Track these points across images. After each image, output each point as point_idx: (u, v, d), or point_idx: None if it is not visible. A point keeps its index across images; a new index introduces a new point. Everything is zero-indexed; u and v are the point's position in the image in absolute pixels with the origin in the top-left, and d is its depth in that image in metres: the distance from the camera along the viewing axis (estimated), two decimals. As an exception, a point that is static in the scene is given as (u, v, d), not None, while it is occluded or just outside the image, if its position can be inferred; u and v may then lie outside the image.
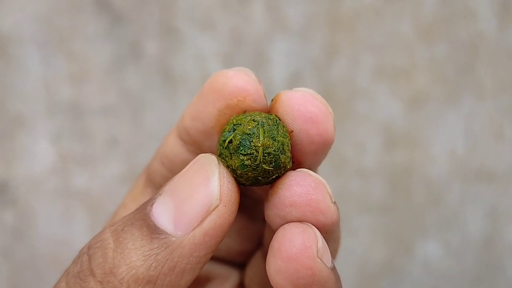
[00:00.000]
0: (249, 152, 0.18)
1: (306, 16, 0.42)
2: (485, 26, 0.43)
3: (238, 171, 0.18)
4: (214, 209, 0.17)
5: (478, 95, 0.43)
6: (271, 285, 0.20)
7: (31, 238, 0.41)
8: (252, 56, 0.41)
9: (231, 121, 0.19)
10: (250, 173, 0.18)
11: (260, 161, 0.18)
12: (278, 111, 0.19)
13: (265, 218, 0.19)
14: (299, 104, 0.19)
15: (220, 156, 0.19)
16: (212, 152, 0.20)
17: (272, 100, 0.20)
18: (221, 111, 0.19)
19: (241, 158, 0.18)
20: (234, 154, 0.18)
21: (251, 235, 0.24)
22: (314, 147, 0.19)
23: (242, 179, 0.18)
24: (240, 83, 0.19)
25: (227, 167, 0.18)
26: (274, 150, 0.18)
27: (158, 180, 0.22)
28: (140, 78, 0.41)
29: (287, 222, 0.18)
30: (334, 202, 0.19)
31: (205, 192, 0.17)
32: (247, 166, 0.18)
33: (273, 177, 0.19)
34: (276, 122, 0.19)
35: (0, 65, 0.40)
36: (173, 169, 0.22)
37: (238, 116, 0.19)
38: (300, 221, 0.18)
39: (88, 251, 0.18)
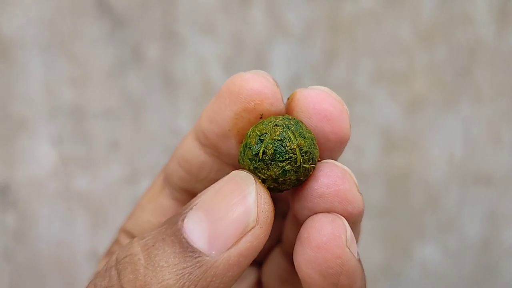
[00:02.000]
0: (287, 157, 0.18)
1: (306, 20, 0.42)
2: (483, 30, 0.43)
3: (280, 179, 0.18)
4: (250, 230, 0.17)
5: (476, 99, 0.44)
6: (289, 282, 0.20)
7: (33, 240, 0.41)
8: (252, 60, 0.42)
9: (254, 134, 0.18)
10: (292, 177, 0.18)
11: (300, 162, 0.18)
12: (294, 110, 0.19)
13: (292, 211, 0.19)
14: (315, 102, 0.19)
15: (255, 170, 0.18)
16: (229, 155, 0.20)
17: (288, 98, 0.20)
18: (238, 114, 0.19)
19: (280, 165, 0.18)
20: (271, 164, 0.18)
21: None
22: (330, 145, 0.19)
23: (285, 185, 0.18)
24: (257, 86, 0.19)
25: (264, 179, 0.18)
26: (308, 147, 0.18)
27: (175, 181, 0.22)
28: (141, 81, 0.41)
29: (315, 213, 0.18)
30: (360, 192, 0.19)
31: (241, 212, 0.17)
32: (288, 171, 0.18)
33: (310, 173, 0.19)
34: (296, 121, 0.19)
35: (2, 68, 0.40)
36: (191, 170, 0.21)
37: (257, 126, 0.19)
38: (328, 211, 0.18)
39: (117, 265, 0.17)
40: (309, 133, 0.19)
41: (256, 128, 0.19)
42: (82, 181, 0.41)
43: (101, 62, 0.40)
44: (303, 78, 0.42)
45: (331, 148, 0.19)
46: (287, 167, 0.18)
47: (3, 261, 0.41)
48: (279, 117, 0.19)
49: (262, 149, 0.18)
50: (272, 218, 0.18)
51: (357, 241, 0.22)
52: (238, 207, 0.17)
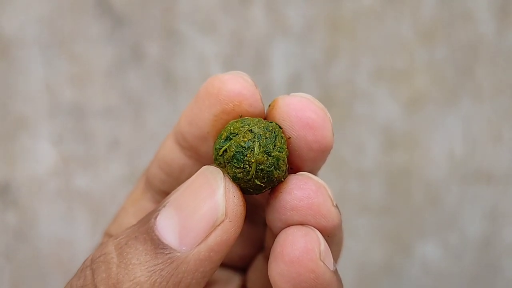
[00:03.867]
0: (242, 166, 0.18)
1: (306, 18, 0.42)
2: (484, 28, 0.43)
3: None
4: (219, 224, 0.17)
5: (477, 97, 0.44)
6: None
7: (33, 238, 0.41)
8: (252, 58, 0.42)
9: (228, 128, 0.18)
10: (242, 185, 0.18)
11: (252, 176, 0.18)
12: (275, 117, 0.19)
13: (267, 222, 0.19)
14: (297, 110, 0.18)
15: (215, 161, 0.19)
16: (209, 157, 0.20)
17: (269, 105, 0.19)
18: (217, 116, 0.19)
19: (234, 170, 0.18)
20: (228, 164, 0.18)
21: (252, 239, 0.24)
22: (312, 154, 0.19)
23: None
24: (236, 87, 0.19)
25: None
26: (268, 166, 0.18)
27: (156, 184, 0.22)
28: (142, 80, 0.41)
29: (288, 226, 0.18)
30: (336, 205, 0.18)
31: (210, 207, 0.17)
32: (239, 178, 0.18)
33: (265, 190, 0.18)
34: (274, 133, 0.18)
35: (2, 67, 0.40)
36: (171, 173, 0.21)
37: (236, 122, 0.18)
38: (302, 224, 0.18)
39: (92, 264, 0.17)
40: (279, 151, 0.18)
41: (235, 124, 0.18)
42: (82, 180, 0.41)
43: (101, 61, 0.40)
44: (303, 76, 0.42)
45: (313, 157, 0.19)
46: (238, 174, 0.18)
47: (3, 260, 0.41)
48: (262, 123, 0.18)
49: (225, 147, 0.18)
50: (243, 212, 0.18)
51: (338, 252, 0.21)
52: (206, 202, 0.17)
